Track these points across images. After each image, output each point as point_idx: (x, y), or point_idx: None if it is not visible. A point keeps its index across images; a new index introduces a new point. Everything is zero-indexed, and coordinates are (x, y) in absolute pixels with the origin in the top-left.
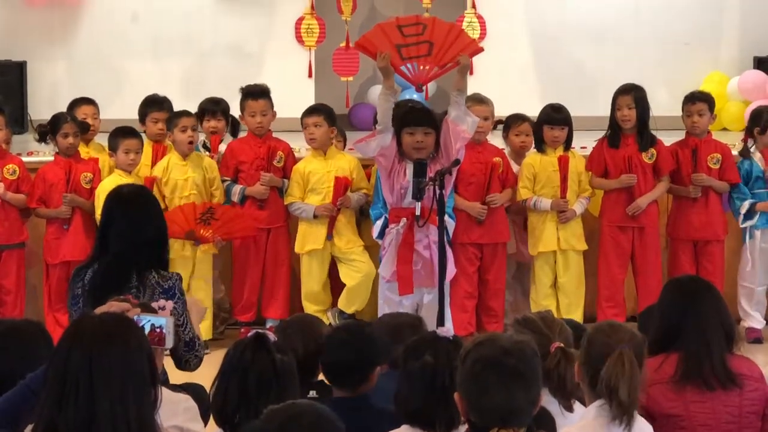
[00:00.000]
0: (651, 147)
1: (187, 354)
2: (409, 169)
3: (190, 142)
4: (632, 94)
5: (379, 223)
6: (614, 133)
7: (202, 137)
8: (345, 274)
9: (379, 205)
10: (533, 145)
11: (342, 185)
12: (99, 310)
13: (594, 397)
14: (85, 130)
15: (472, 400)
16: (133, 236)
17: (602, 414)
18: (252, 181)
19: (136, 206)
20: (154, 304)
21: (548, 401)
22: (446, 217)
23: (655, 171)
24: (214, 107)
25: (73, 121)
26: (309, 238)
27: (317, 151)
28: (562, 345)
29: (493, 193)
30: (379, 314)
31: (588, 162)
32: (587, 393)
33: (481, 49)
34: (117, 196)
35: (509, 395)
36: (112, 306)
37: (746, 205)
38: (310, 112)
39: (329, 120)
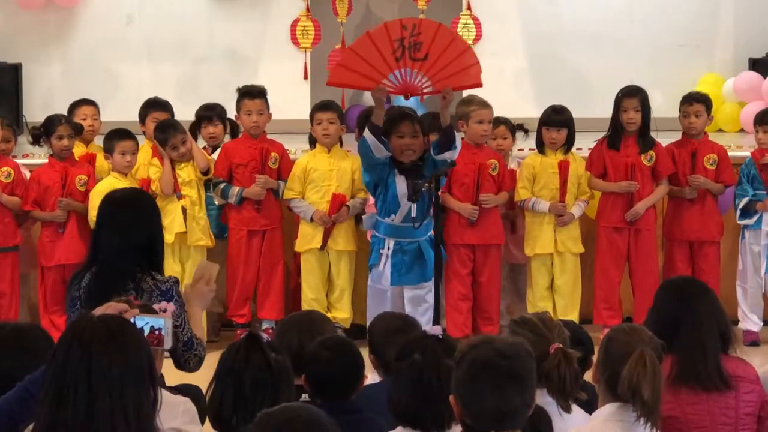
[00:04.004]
0: (650, 149)
1: (187, 353)
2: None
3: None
4: (638, 97)
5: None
6: (615, 134)
7: (202, 144)
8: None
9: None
10: (512, 147)
11: (338, 202)
12: (97, 311)
13: (610, 397)
14: (79, 132)
15: (467, 402)
16: (122, 241)
17: (616, 418)
18: (247, 183)
19: (127, 211)
20: (156, 306)
21: (546, 402)
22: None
23: (653, 174)
24: (209, 113)
25: (68, 123)
26: (309, 239)
27: (323, 147)
28: (561, 346)
29: (486, 193)
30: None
31: (587, 163)
32: (602, 394)
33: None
34: (109, 200)
35: (505, 397)
36: (110, 307)
37: (744, 201)
38: (325, 108)
39: (341, 118)
